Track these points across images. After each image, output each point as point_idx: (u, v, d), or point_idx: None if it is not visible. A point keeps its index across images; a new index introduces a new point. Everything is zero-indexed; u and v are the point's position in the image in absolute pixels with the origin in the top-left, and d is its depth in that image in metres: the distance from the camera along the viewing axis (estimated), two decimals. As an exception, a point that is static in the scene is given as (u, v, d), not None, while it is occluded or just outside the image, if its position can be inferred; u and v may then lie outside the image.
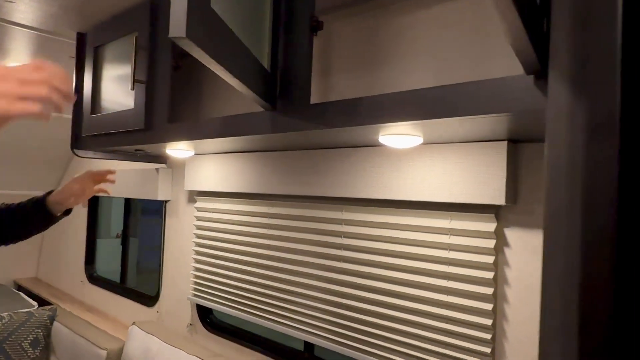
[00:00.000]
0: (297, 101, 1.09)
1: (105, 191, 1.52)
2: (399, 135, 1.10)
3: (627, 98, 0.36)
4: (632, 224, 0.37)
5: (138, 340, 2.01)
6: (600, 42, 0.37)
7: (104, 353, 2.07)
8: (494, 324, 1.17)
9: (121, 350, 2.07)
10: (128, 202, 3.02)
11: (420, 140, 1.13)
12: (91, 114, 1.84)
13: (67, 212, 1.47)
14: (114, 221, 6.05)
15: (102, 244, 4.15)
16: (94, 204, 3.00)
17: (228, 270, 1.88)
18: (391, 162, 1.33)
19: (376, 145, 1.35)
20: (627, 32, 0.36)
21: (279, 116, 1.13)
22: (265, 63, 1.13)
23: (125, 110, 1.64)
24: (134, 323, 2.12)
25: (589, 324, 0.38)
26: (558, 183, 0.40)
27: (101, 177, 1.48)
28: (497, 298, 1.18)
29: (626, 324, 0.36)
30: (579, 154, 0.38)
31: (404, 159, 1.30)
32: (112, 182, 1.50)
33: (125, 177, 2.45)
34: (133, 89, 1.59)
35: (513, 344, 1.15)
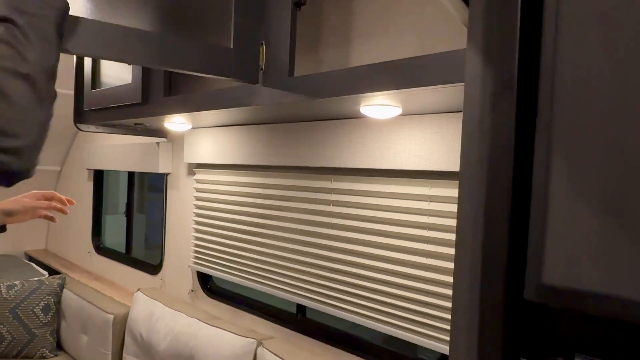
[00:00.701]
0: (279, 74, 1.15)
1: (51, 218, 1.35)
2: (378, 106, 1.16)
3: (523, 68, 0.43)
4: (526, 171, 0.43)
5: (142, 305, 2.12)
6: (503, 22, 0.43)
7: (110, 317, 2.19)
8: (469, 284, 1.25)
9: (127, 314, 2.19)
10: (132, 176, 3.10)
11: (399, 110, 1.18)
12: (92, 89, 1.90)
13: (2, 228, 1.27)
14: (121, 198, 6.17)
15: (110, 220, 4.27)
16: (99, 178, 3.10)
17: (226, 239, 1.97)
18: (374, 133, 1.39)
19: (359, 117, 1.41)
20: (524, 16, 0.43)
21: (262, 89, 1.19)
22: (229, 40, 1.15)
23: (123, 85, 1.70)
24: (138, 289, 2.23)
25: (491, 256, 0.45)
26: (471, 138, 0.47)
27: (52, 198, 1.32)
28: (472, 260, 1.25)
29: (519, 256, 0.44)
30: (486, 112, 0.45)
31: (385, 129, 1.36)
32: (64, 211, 1.34)
33: (127, 151, 2.53)
34: (130, 64, 1.64)
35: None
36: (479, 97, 0.45)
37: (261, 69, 1.20)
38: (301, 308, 1.77)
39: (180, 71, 1.09)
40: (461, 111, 1.15)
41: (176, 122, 1.85)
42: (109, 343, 2.18)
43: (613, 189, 0.38)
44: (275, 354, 1.52)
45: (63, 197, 1.33)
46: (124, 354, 2.12)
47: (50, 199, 1.30)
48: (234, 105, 1.33)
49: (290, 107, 1.32)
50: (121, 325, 2.19)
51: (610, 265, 0.38)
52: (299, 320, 1.75)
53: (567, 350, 0.43)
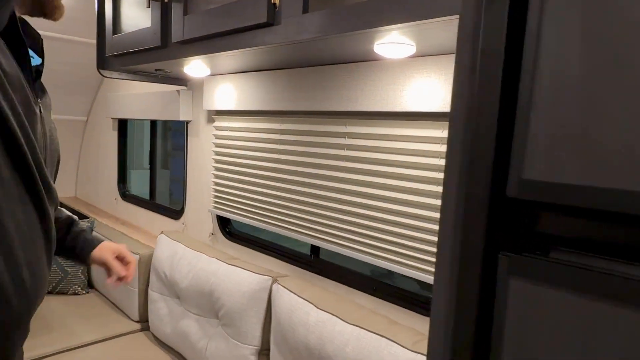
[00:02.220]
0: (293, 11, 1.15)
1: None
2: (392, 44, 1.15)
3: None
4: (513, 75, 0.45)
5: (166, 246, 2.23)
6: None
7: (136, 257, 2.31)
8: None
9: (151, 255, 2.31)
10: (154, 127, 3.17)
11: (413, 49, 1.18)
12: (113, 35, 1.93)
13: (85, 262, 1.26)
14: (146, 155, 6.33)
15: (135, 175, 4.39)
16: (124, 128, 3.18)
17: (244, 184, 2.03)
18: (388, 75, 1.39)
19: (374, 58, 1.40)
20: None
21: (277, 28, 1.20)
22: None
23: (143, 29, 1.73)
24: (162, 232, 2.34)
25: (477, 157, 0.47)
26: (465, 42, 0.48)
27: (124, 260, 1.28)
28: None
29: (504, 157, 0.46)
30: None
31: (400, 71, 1.36)
32: (126, 282, 1.28)
33: (149, 100, 2.59)
34: (149, 7, 1.66)
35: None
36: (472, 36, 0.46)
37: (275, 7, 1.20)
38: (315, 249, 1.83)
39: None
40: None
41: (195, 68, 1.88)
42: (135, 281, 2.31)
43: (592, 81, 0.39)
44: (288, 289, 1.59)
45: (128, 273, 1.27)
46: (150, 291, 2.25)
47: (125, 263, 1.27)
48: (249, 45, 1.34)
49: (305, 47, 1.32)
50: (146, 265, 2.31)
51: (587, 156, 0.40)
52: (313, 261, 1.82)
53: (544, 246, 0.45)
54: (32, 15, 0.86)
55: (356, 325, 1.37)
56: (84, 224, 1.24)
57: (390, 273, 2.19)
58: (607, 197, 0.39)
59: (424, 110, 1.31)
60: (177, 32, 1.57)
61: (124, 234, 2.65)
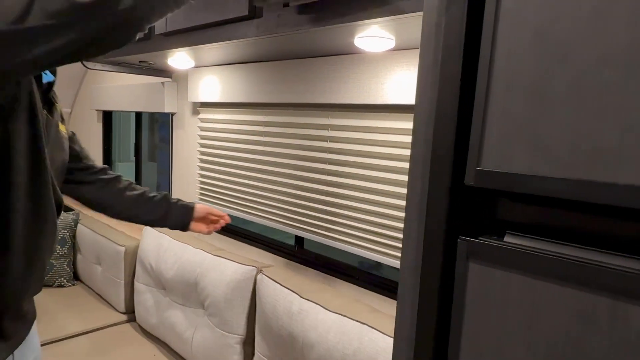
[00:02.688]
0: (275, 5, 1.17)
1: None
2: (372, 38, 1.18)
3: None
4: (471, 75, 0.48)
5: (152, 238, 2.24)
6: None
7: (122, 249, 2.32)
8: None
9: (137, 247, 2.31)
10: (139, 119, 3.15)
11: (392, 43, 1.20)
12: (96, 26, 1.92)
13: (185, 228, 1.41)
14: (132, 146, 6.29)
15: (121, 167, 4.36)
16: (108, 120, 3.16)
17: (229, 176, 2.04)
18: (370, 68, 1.41)
19: (355, 52, 1.43)
20: None
21: (258, 21, 1.21)
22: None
23: (125, 20, 1.72)
24: (147, 224, 2.35)
25: (439, 150, 0.50)
26: (428, 40, 0.50)
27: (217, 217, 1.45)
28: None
29: (462, 150, 0.49)
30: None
31: (381, 65, 1.38)
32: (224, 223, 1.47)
33: (133, 92, 2.58)
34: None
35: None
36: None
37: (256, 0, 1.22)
38: (299, 240, 1.86)
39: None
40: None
41: (179, 59, 1.88)
42: (121, 272, 2.32)
43: (541, 77, 0.42)
44: (273, 279, 1.62)
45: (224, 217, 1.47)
46: (135, 282, 2.26)
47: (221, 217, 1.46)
48: (231, 38, 1.35)
49: (287, 40, 1.34)
50: (132, 257, 2.32)
51: (536, 149, 0.43)
52: (297, 251, 1.85)
53: (499, 231, 0.48)
54: None
55: (338, 313, 1.40)
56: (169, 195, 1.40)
57: (379, 264, 2.23)
58: (553, 185, 0.42)
59: (405, 103, 1.34)
60: (159, 24, 1.57)
61: (110, 226, 2.65)
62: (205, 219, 1.42)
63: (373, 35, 1.17)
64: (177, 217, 1.37)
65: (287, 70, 1.68)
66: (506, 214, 0.48)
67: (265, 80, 1.77)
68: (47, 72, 0.95)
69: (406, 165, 1.38)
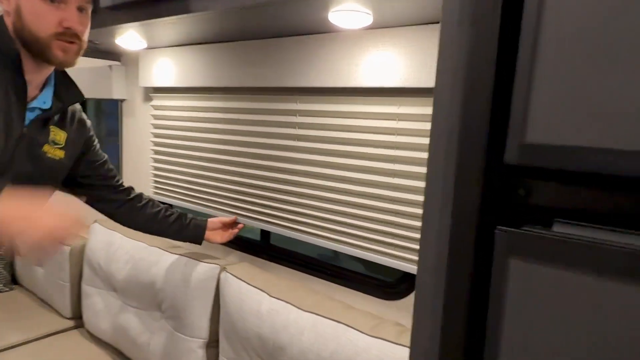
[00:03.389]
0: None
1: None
2: (348, 12, 1.08)
3: None
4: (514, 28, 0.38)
5: (100, 236, 2.05)
6: None
7: (67, 249, 2.11)
8: (434, 204, 1.24)
9: (84, 246, 2.11)
10: (84, 108, 2.90)
11: (370, 18, 1.11)
12: (31, -1, 1.70)
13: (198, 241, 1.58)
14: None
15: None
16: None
17: (187, 167, 1.89)
18: (343, 49, 1.31)
19: (329, 31, 1.32)
20: None
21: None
22: None
23: (66, -8, 1.53)
24: (95, 221, 2.15)
25: (470, 120, 0.41)
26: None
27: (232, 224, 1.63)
28: (438, 180, 1.23)
29: (501, 122, 0.39)
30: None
31: (356, 45, 1.28)
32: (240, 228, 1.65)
33: (76, 77, 2.34)
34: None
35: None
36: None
37: (220, -33, 1.08)
38: (265, 235, 1.74)
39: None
40: (437, 22, 1.09)
41: (129, 39, 1.70)
42: (66, 274, 2.11)
43: (602, 32, 0.34)
44: (238, 277, 1.50)
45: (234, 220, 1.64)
46: (83, 285, 2.06)
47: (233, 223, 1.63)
48: (190, 10, 1.21)
49: (253, 15, 1.21)
50: (78, 257, 2.12)
51: (597, 116, 0.35)
52: (263, 247, 1.73)
53: (544, 218, 0.40)
54: (43, 61, 1.05)
55: (312, 312, 1.31)
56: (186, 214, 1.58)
57: (335, 254, 2.14)
58: (621, 160, 0.34)
59: (380, 86, 1.25)
60: (106, -4, 1.39)
61: (53, 224, 2.42)
62: (219, 230, 1.59)
63: (349, 9, 1.07)
64: (188, 236, 1.54)
65: (251, 52, 1.55)
66: (553, 198, 0.39)
67: (226, 62, 1.63)
68: (45, 100, 1.11)
69: (382, 151, 1.30)
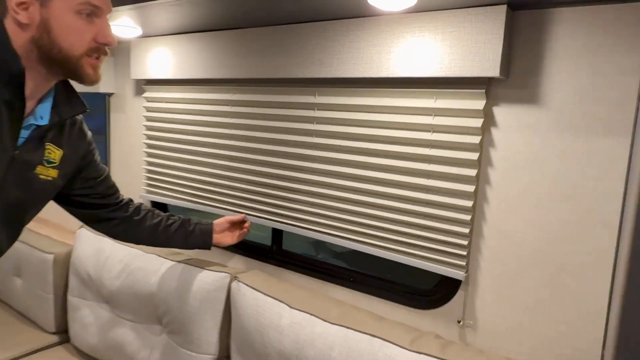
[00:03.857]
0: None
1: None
2: (391, -8, 0.96)
3: None
4: None
5: (88, 243, 1.87)
6: None
7: (50, 257, 1.92)
8: (474, 206, 1.14)
9: (69, 253, 1.93)
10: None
11: (414, 0, 0.99)
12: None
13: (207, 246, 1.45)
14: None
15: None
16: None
17: (185, 164, 1.74)
18: (373, 35, 1.20)
19: (359, 15, 1.20)
20: None
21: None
22: None
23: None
24: (81, 226, 1.97)
25: None
26: None
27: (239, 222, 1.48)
28: (479, 180, 1.14)
29: None
30: None
31: (386, 30, 1.17)
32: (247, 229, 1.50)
33: (57, 68, 2.15)
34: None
35: (491, 224, 1.13)
36: None
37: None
38: (277, 239, 1.61)
39: None
40: (484, 5, 0.98)
41: (122, 25, 1.54)
42: (49, 285, 1.92)
43: None
44: (252, 287, 1.37)
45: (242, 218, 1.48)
46: (69, 296, 1.88)
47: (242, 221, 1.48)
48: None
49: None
50: (63, 266, 1.93)
51: None
52: (274, 252, 1.60)
53: None
54: (68, 78, 0.96)
55: (340, 325, 1.19)
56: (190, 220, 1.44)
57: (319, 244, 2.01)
58: None
59: (415, 76, 1.14)
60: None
61: (31, 230, 2.21)
62: (227, 231, 1.45)
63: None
64: (196, 244, 1.41)
65: (262, 39, 1.42)
66: None
67: (233, 51, 1.49)
68: (42, 114, 0.96)
69: (415, 149, 1.19)
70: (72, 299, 1.88)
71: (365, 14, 1.19)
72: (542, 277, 1.07)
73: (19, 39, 0.87)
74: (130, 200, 1.36)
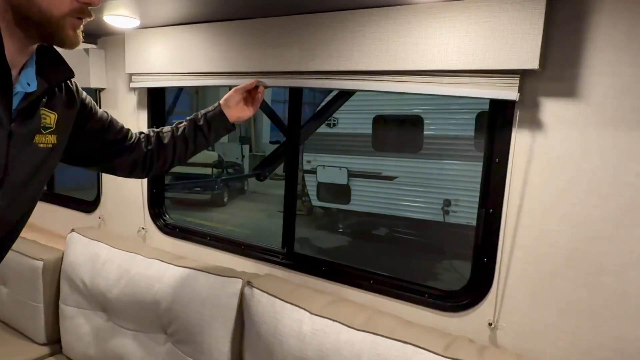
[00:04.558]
0: None
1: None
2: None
3: None
4: None
5: (81, 248, 1.76)
6: None
7: (39, 264, 1.79)
8: (504, 203, 1.10)
9: (60, 259, 1.81)
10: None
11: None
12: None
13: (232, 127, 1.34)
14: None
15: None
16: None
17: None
18: (398, 25, 1.14)
19: (382, 5, 1.14)
20: None
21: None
22: None
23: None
24: (72, 230, 1.85)
25: None
26: None
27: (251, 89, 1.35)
28: (511, 175, 1.09)
29: None
30: None
31: (415, 20, 1.11)
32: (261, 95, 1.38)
33: (42, 62, 2.02)
34: None
35: (524, 222, 1.09)
36: None
37: None
38: (288, 241, 1.54)
39: None
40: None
41: (119, 15, 1.44)
42: (39, 294, 1.80)
43: None
44: (269, 293, 1.29)
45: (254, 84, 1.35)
46: (61, 305, 1.77)
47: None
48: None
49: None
50: (54, 273, 1.81)
51: None
52: (286, 255, 1.53)
53: None
54: (46, 43, 0.89)
55: (367, 331, 1.13)
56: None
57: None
58: None
59: (445, 69, 1.08)
60: (105, -42, 1.14)
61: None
62: (241, 103, 1.33)
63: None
64: (217, 131, 1.31)
65: (274, 30, 1.34)
66: None
67: (241, 43, 1.41)
68: (28, 81, 0.89)
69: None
70: (64, 308, 1.77)
71: (389, 3, 1.12)
72: (580, 278, 1.03)
73: None
74: (140, 133, 1.26)
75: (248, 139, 11.96)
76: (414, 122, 5.41)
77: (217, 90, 8.16)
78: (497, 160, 1.11)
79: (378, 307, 1.30)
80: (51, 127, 0.99)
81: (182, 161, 1.29)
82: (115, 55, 1.83)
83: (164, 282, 1.48)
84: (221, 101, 1.31)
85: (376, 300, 1.31)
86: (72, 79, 1.04)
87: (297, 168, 1.55)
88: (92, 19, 0.87)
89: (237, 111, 1.32)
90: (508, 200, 1.10)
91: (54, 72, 0.95)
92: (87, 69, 1.83)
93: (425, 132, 5.43)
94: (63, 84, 1.03)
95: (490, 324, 1.14)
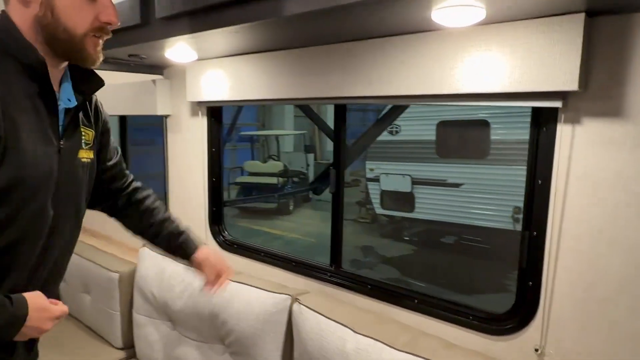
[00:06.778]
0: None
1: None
2: (456, 7, 0.91)
3: None
4: None
5: (150, 262, 1.93)
6: None
7: (115, 276, 1.99)
8: (548, 224, 1.07)
9: (133, 272, 1.99)
10: (123, 123, 2.79)
11: (482, 13, 0.94)
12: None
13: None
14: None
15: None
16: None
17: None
18: (434, 50, 1.15)
19: (412, 31, 1.16)
20: None
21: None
22: None
23: (116, 3, 1.40)
24: (143, 245, 2.03)
25: None
26: None
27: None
28: (555, 199, 1.06)
29: None
30: None
31: (451, 45, 1.12)
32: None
33: (119, 92, 2.23)
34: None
35: (569, 245, 1.05)
36: None
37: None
38: (335, 258, 1.59)
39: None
40: (560, 14, 0.91)
41: (179, 51, 1.57)
42: (116, 303, 1.99)
43: None
44: (314, 310, 1.35)
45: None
46: (135, 314, 1.94)
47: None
48: (260, 17, 1.07)
49: (334, 18, 1.06)
50: (128, 284, 1.99)
51: None
52: (334, 272, 1.58)
53: None
54: (70, 61, 0.94)
55: (409, 353, 1.15)
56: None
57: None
58: None
59: (481, 92, 1.08)
60: (162, 5, 1.26)
61: (95, 247, 2.31)
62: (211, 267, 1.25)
63: (457, 4, 0.91)
64: (166, 248, 1.31)
65: (321, 58, 1.40)
66: None
67: (291, 71, 1.48)
68: (69, 97, 0.95)
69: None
70: (137, 316, 1.94)
71: (425, 29, 1.14)
72: (636, 306, 0.98)
73: (24, 22, 0.86)
74: (141, 188, 1.30)
75: (313, 148, 12.15)
76: (480, 127, 5.23)
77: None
78: (539, 181, 1.09)
79: (424, 327, 1.30)
80: (90, 143, 1.05)
81: (133, 231, 1.32)
82: (179, 84, 1.99)
83: (221, 296, 1.58)
84: (199, 257, 1.25)
85: (422, 320, 1.32)
86: (99, 101, 1.11)
87: (342, 189, 1.59)
88: (109, 37, 0.93)
89: (203, 268, 1.26)
90: (552, 222, 1.07)
91: (87, 83, 1.00)
92: (154, 98, 2.01)
93: (492, 137, 5.23)
94: (92, 103, 1.08)
95: (536, 350, 1.11)
